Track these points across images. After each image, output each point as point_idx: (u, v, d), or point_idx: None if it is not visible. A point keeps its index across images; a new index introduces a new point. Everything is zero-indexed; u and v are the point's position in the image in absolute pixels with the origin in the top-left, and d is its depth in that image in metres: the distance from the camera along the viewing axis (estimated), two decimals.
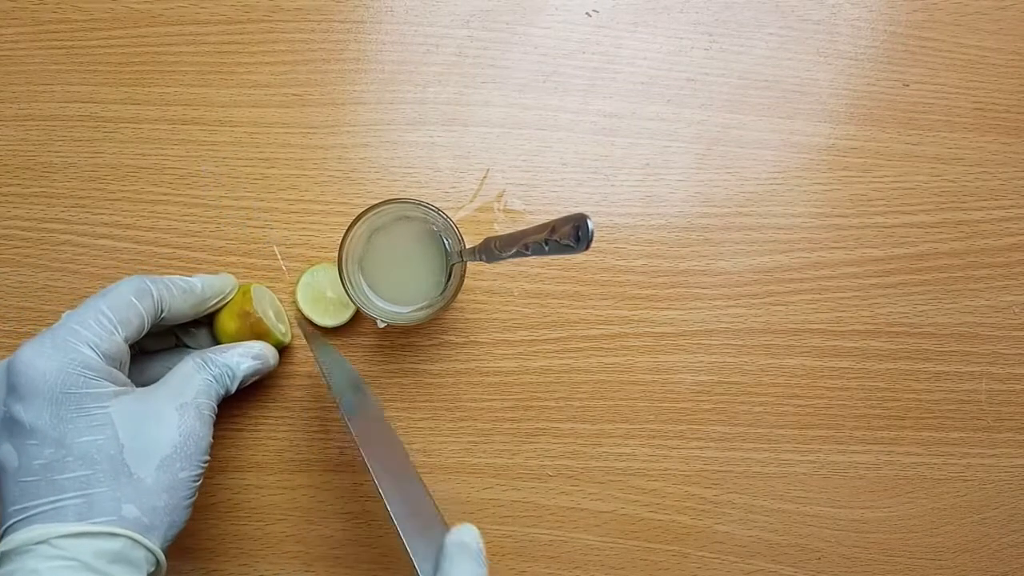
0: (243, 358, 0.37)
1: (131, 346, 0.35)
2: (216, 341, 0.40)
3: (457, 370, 0.42)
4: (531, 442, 0.42)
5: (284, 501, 0.42)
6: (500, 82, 0.43)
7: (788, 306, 0.44)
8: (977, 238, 0.44)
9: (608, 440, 0.43)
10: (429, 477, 0.42)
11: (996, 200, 0.45)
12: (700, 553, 0.43)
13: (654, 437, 0.43)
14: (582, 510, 0.43)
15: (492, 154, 0.43)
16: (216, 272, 0.41)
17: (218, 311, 0.39)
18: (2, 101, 0.42)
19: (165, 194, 0.42)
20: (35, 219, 0.42)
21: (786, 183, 0.44)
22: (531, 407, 0.42)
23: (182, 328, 0.40)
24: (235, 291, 0.39)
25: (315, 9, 0.42)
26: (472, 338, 0.42)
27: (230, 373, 0.36)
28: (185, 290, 0.36)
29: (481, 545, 0.33)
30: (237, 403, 0.41)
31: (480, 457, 0.42)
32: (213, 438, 0.34)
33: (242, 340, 0.38)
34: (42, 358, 0.30)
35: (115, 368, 0.32)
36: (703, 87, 0.44)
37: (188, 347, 0.40)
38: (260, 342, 0.38)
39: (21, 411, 0.30)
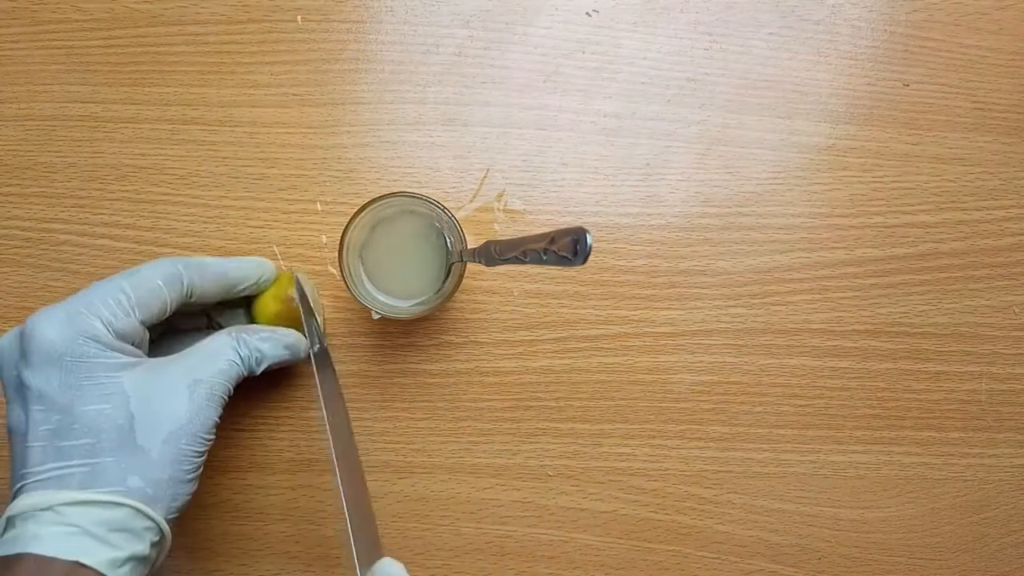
0: (276, 346, 0.36)
1: (163, 323, 0.34)
2: (251, 322, 0.39)
3: (457, 370, 0.42)
4: (531, 442, 0.42)
5: (284, 501, 0.42)
6: (500, 82, 0.43)
7: (788, 306, 0.44)
8: (977, 238, 0.44)
9: (608, 440, 0.43)
10: (429, 477, 0.42)
11: (996, 200, 0.45)
12: (700, 553, 0.43)
13: (654, 437, 0.43)
14: (582, 510, 0.43)
15: (492, 154, 0.43)
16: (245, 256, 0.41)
17: (258, 294, 0.39)
18: (2, 101, 0.42)
19: (165, 194, 0.42)
20: (35, 219, 0.42)
21: (786, 183, 0.44)
22: (531, 407, 0.42)
23: (216, 308, 0.39)
24: (273, 276, 0.39)
25: (315, 9, 0.42)
26: (472, 338, 0.42)
27: (259, 357, 0.36)
28: (218, 275, 0.36)
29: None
30: (237, 403, 0.41)
31: (480, 457, 0.42)
32: (220, 419, 0.34)
33: (280, 324, 0.38)
34: (52, 327, 0.30)
35: (128, 344, 0.32)
36: (703, 87, 0.44)
37: (221, 327, 0.39)
38: (296, 333, 0.38)
39: (30, 377, 0.30)
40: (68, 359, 0.30)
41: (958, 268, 0.44)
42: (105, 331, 0.31)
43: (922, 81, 0.44)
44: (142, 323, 0.33)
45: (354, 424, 0.42)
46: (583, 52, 0.43)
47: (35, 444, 0.30)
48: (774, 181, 0.44)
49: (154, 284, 0.33)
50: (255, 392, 0.42)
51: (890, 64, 0.44)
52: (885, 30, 0.44)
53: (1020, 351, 0.45)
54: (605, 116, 0.43)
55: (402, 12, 0.43)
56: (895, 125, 0.44)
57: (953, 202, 0.44)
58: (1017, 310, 0.45)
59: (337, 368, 0.42)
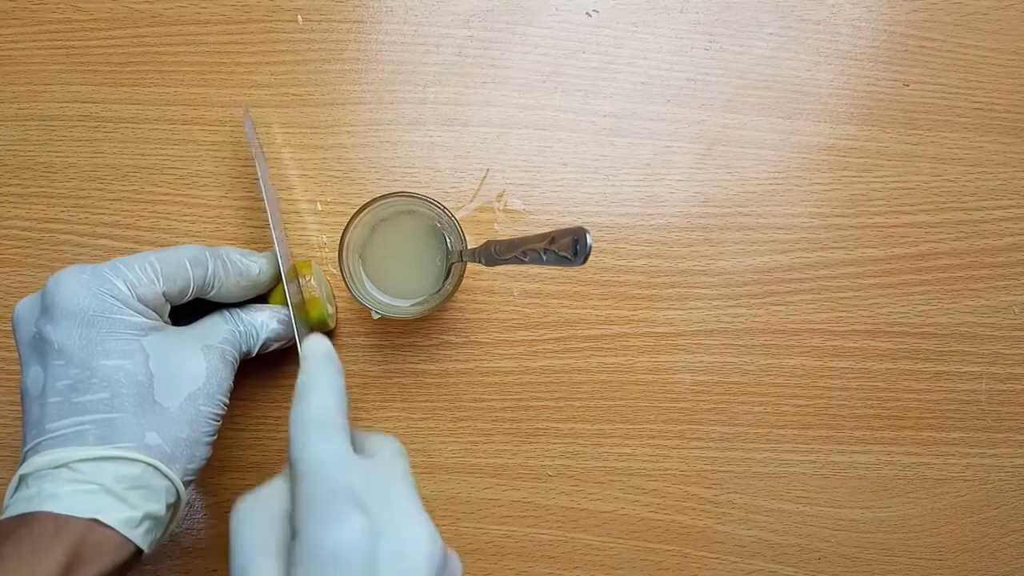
0: (269, 320, 0.37)
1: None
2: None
3: (457, 370, 0.42)
4: (531, 442, 0.42)
5: None
6: (500, 82, 0.43)
7: (788, 306, 0.44)
8: (977, 238, 0.44)
9: (608, 440, 0.43)
10: (429, 477, 0.42)
11: (996, 200, 0.45)
12: (700, 553, 0.43)
13: (654, 437, 0.43)
14: (582, 510, 0.43)
15: (492, 154, 0.43)
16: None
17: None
18: (2, 101, 0.42)
19: (165, 194, 0.42)
20: (35, 219, 0.42)
21: (786, 183, 0.44)
22: (531, 407, 0.42)
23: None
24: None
25: (315, 9, 0.42)
26: (472, 338, 0.42)
27: (254, 333, 0.36)
28: (241, 272, 0.36)
29: (328, 347, 0.32)
30: (238, 403, 0.41)
31: (480, 457, 0.42)
32: (233, 384, 0.35)
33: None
34: (77, 282, 0.31)
35: (149, 310, 0.32)
36: (703, 87, 0.44)
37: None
38: (287, 308, 0.38)
39: (51, 331, 0.30)
40: (90, 313, 0.30)
41: (958, 268, 0.44)
42: (128, 292, 0.31)
43: (922, 81, 0.44)
44: (164, 295, 0.33)
45: (354, 424, 0.42)
46: (583, 52, 0.43)
47: (52, 400, 0.30)
48: (774, 181, 0.44)
49: (181, 261, 0.33)
50: (255, 392, 0.42)
51: (890, 64, 0.44)
52: (885, 30, 0.44)
53: (1020, 351, 0.45)
54: (605, 116, 0.43)
55: (402, 12, 0.43)
56: (895, 125, 0.44)
57: (953, 202, 0.44)
58: (1017, 310, 0.45)
59: None
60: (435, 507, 0.42)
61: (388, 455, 0.29)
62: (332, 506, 0.25)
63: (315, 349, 0.32)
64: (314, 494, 0.25)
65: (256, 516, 0.27)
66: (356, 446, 0.29)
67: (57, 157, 0.42)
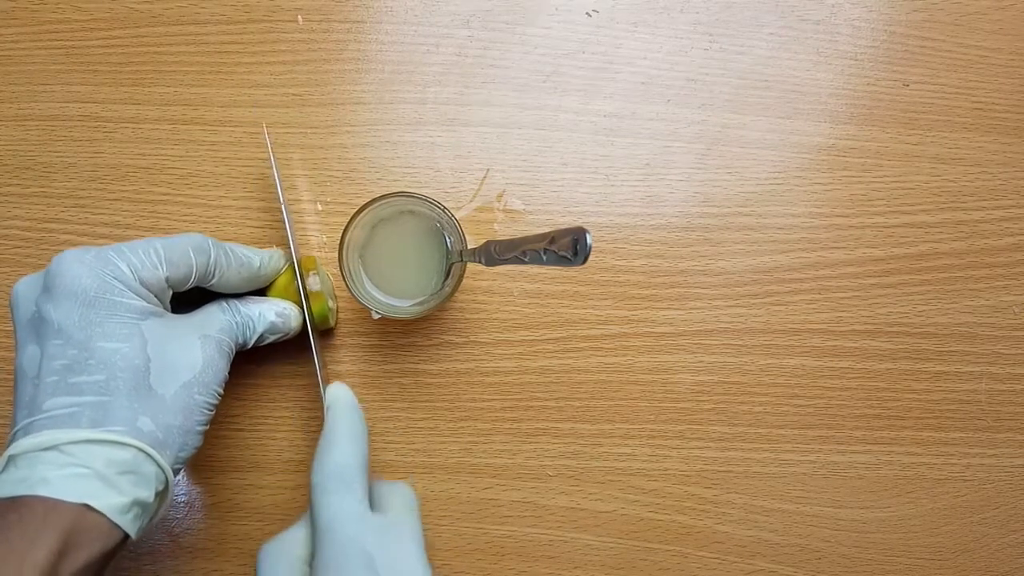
0: (268, 311, 0.37)
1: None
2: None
3: (457, 370, 0.42)
4: (531, 442, 0.42)
5: (284, 501, 0.42)
6: (500, 82, 0.43)
7: (788, 306, 0.44)
8: (977, 238, 0.44)
9: (608, 440, 0.43)
10: (429, 477, 0.42)
11: (996, 200, 0.45)
12: (700, 553, 0.43)
13: (654, 437, 0.43)
14: (582, 510, 0.43)
15: (492, 154, 0.43)
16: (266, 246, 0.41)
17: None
18: (2, 101, 0.42)
19: (165, 194, 0.42)
20: (35, 219, 0.42)
21: (786, 183, 0.44)
22: (531, 407, 0.42)
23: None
24: (287, 264, 0.39)
25: (315, 9, 0.42)
26: (472, 338, 0.42)
27: (251, 324, 0.36)
28: (242, 263, 0.36)
29: (352, 397, 0.35)
30: (237, 403, 0.41)
31: (480, 457, 0.42)
32: (228, 375, 0.35)
33: (289, 297, 0.38)
34: (80, 263, 0.30)
35: (151, 294, 0.32)
36: (703, 87, 0.44)
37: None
38: (288, 302, 0.38)
39: (51, 310, 0.30)
40: (91, 294, 0.30)
41: (958, 268, 0.44)
42: (131, 275, 0.31)
43: (922, 81, 0.44)
44: (167, 280, 0.32)
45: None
46: (583, 52, 0.43)
47: (48, 379, 0.29)
48: (774, 181, 0.44)
49: (184, 248, 0.33)
50: (255, 392, 0.42)
51: (890, 64, 0.44)
52: (885, 30, 0.44)
53: (1020, 351, 0.45)
54: (605, 116, 0.43)
55: (402, 12, 0.43)
56: (895, 125, 0.44)
57: (953, 202, 0.44)
58: (1017, 310, 0.45)
59: (337, 368, 0.42)
60: (435, 507, 0.42)
61: (400, 508, 0.32)
62: (346, 567, 0.28)
63: (340, 398, 0.33)
64: (331, 551, 0.29)
65: (278, 563, 0.30)
66: (372, 494, 0.30)
67: (57, 157, 0.42)
